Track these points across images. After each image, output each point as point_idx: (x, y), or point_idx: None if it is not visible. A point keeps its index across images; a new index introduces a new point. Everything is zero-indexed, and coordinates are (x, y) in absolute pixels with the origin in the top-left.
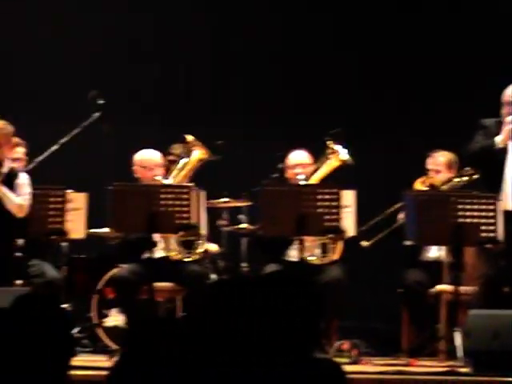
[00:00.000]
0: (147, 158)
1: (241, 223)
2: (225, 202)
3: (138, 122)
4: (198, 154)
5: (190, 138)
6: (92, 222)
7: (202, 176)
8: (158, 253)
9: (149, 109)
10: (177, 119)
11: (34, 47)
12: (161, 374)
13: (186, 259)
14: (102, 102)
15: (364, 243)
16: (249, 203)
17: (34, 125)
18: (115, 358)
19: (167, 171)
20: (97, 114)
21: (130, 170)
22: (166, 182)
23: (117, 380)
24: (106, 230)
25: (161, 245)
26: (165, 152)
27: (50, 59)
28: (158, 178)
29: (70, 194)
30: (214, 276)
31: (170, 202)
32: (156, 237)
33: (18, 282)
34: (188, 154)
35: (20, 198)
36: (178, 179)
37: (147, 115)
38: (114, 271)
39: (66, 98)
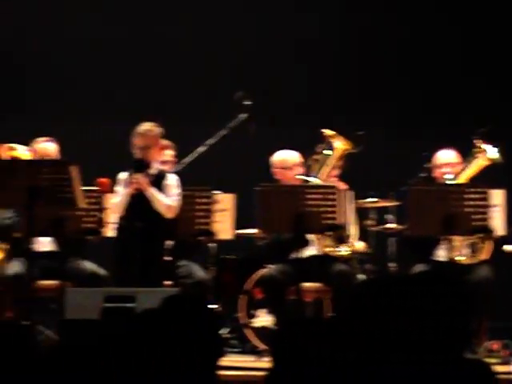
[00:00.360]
0: (285, 158)
1: (388, 223)
2: (372, 202)
3: (285, 123)
4: (340, 145)
5: (328, 131)
6: (240, 222)
7: (349, 176)
8: (308, 252)
9: (295, 109)
10: (323, 119)
11: (182, 48)
12: (313, 374)
13: (337, 253)
14: (248, 103)
15: (508, 248)
16: (396, 203)
17: (182, 127)
18: (266, 359)
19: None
20: (243, 115)
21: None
22: (308, 179)
23: (275, 381)
24: (254, 230)
25: (313, 243)
26: (311, 152)
27: (199, 60)
28: (301, 176)
29: (218, 195)
30: (361, 276)
31: (317, 202)
32: (309, 235)
33: (167, 282)
34: (330, 148)
35: (169, 199)
36: (321, 175)
37: (294, 116)
38: (262, 271)
39: (214, 99)
